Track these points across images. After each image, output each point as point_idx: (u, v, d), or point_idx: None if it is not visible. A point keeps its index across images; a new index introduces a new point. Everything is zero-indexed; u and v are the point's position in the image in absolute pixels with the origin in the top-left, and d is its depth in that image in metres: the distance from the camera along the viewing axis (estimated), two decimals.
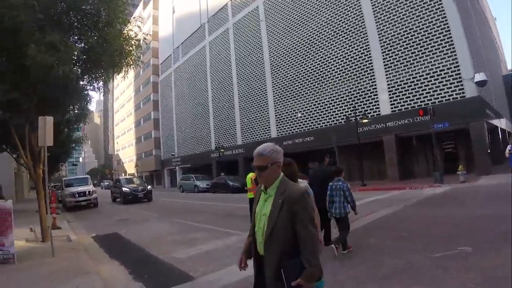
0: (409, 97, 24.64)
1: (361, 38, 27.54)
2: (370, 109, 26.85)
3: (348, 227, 7.33)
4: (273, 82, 35.65)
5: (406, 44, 24.72)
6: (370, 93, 26.98)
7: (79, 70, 10.44)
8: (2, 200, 8.70)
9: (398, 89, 25.21)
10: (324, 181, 7.66)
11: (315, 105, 31.22)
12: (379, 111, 26.44)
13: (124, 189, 25.59)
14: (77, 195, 23.23)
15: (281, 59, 34.67)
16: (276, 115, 35.32)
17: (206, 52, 48.44)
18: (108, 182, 70.06)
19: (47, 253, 8.62)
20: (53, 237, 8.92)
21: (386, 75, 25.82)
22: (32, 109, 10.35)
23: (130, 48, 10.63)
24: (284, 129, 34.45)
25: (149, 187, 27.33)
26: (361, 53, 27.52)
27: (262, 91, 37.07)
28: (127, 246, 10.02)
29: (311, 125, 31.66)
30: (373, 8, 26.69)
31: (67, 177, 45.52)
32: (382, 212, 11.56)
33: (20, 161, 12.28)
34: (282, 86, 34.54)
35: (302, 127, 32.48)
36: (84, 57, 10.14)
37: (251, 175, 9.41)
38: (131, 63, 10.85)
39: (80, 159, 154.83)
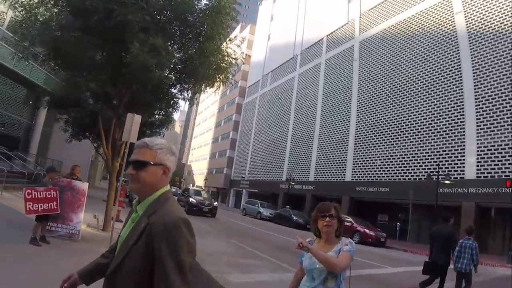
0: (498, 164, 22.77)
1: (456, 94, 26.14)
2: (454, 170, 25.12)
3: (471, 281, 8.22)
4: (357, 124, 34.82)
5: (503, 107, 23.07)
6: (457, 153, 25.34)
7: (174, 77, 10.85)
8: (79, 181, 9.34)
9: (488, 154, 23.40)
10: (448, 240, 8.32)
11: (396, 155, 29.88)
12: (463, 174, 24.68)
13: (191, 199, 25.86)
14: None
15: (369, 101, 33.85)
16: (353, 158, 34.27)
17: (294, 83, 48.76)
18: (175, 189, 71.77)
19: (105, 241, 8.91)
20: (114, 229, 9.18)
21: (477, 137, 24.12)
22: (122, 105, 10.85)
23: (226, 65, 10.84)
24: (360, 174, 33.26)
25: (215, 203, 27.46)
26: (454, 110, 26.05)
27: (344, 131, 36.31)
28: None
29: (388, 176, 30.20)
30: (473, 65, 25.31)
31: None
32: (450, 285, 10.62)
33: (100, 151, 12.91)
34: (366, 129, 33.61)
35: (379, 176, 31.14)
36: (180, 66, 10.52)
37: None
38: (224, 79, 11.05)
39: None
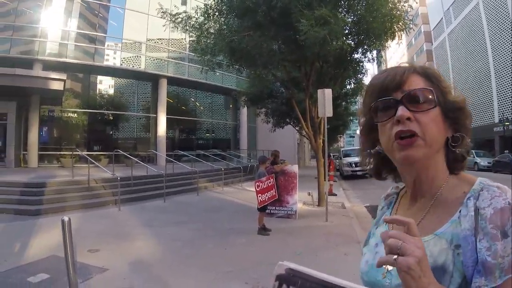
0: None
1: None
2: None
3: None
4: None
5: None
6: None
7: (352, 43, 10.70)
8: (290, 165, 10.13)
9: None
10: None
11: None
12: None
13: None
14: (353, 165, 24.15)
15: None
16: None
17: (480, 9, 41.83)
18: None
19: (321, 216, 9.34)
20: (328, 203, 9.61)
21: None
22: (310, 84, 11.21)
23: (399, 12, 10.14)
24: None
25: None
26: None
27: None
28: None
29: None
30: None
31: (344, 148, 48.13)
32: None
33: (302, 133, 13.60)
34: None
35: None
36: (355, 29, 10.31)
37: None
38: (403, 27, 10.37)
39: (357, 131, 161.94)
